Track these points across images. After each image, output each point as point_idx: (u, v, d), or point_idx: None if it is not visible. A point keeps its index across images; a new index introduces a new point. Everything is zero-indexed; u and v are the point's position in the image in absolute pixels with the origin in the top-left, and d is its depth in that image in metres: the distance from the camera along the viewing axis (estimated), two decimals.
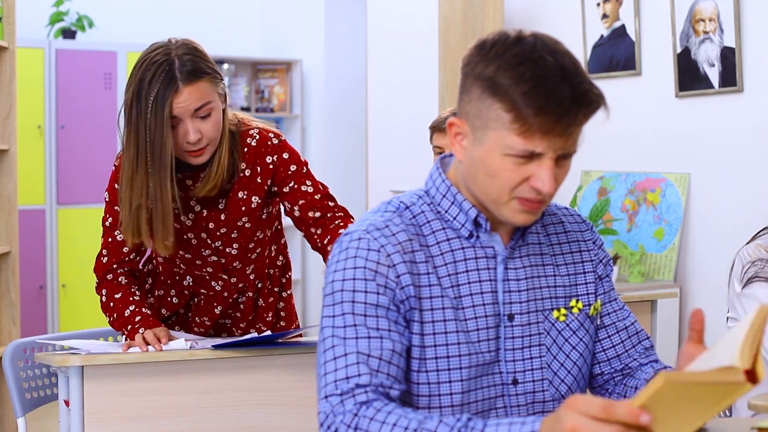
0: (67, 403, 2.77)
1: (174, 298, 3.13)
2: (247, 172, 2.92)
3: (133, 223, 2.81)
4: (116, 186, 2.89)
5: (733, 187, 4.70)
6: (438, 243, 1.95)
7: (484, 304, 1.94)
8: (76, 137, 7.29)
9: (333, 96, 7.76)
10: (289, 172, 2.95)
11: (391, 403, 1.75)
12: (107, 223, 2.99)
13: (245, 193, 2.93)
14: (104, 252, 3.04)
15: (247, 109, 7.98)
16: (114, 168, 2.93)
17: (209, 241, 2.97)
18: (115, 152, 7.38)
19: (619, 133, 5.31)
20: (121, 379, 2.63)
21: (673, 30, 4.91)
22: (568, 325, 2.00)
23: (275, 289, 3.20)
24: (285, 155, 2.94)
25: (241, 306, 3.14)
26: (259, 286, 3.14)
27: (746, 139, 4.62)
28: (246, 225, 2.97)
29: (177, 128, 2.74)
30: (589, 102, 1.96)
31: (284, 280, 3.23)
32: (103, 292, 3.03)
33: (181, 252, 2.99)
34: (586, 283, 2.05)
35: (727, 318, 2.96)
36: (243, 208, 2.94)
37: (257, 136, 2.93)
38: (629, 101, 5.24)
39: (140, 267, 3.10)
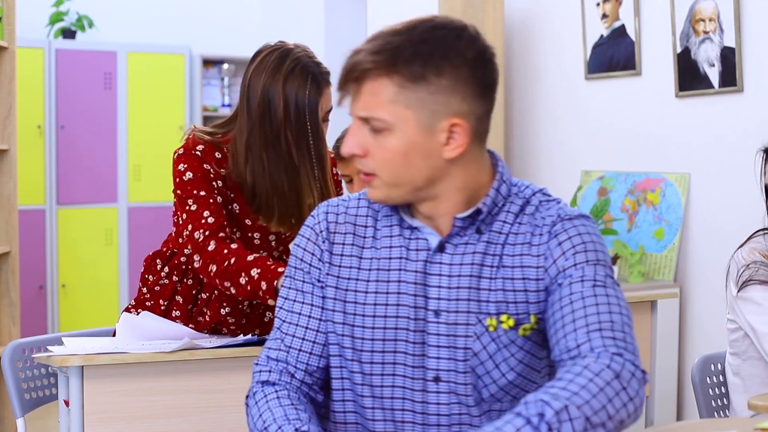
0: (67, 403, 2.77)
1: (199, 285, 3.04)
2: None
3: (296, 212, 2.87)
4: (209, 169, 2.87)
5: (733, 187, 4.70)
6: (384, 229, 1.98)
7: (410, 295, 1.93)
8: (76, 137, 7.30)
9: (333, 96, 7.75)
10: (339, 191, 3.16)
11: (276, 393, 1.95)
12: (201, 194, 2.86)
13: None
14: (199, 226, 2.84)
15: None
16: (202, 153, 2.90)
17: (273, 245, 2.99)
18: (115, 151, 7.39)
19: (619, 133, 5.31)
20: (120, 379, 2.63)
21: (673, 30, 4.91)
22: (497, 337, 1.91)
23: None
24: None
25: (245, 317, 3.10)
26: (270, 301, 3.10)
27: (746, 139, 4.62)
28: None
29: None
30: (353, 71, 1.89)
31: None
32: (216, 262, 2.81)
33: (250, 234, 2.98)
34: (516, 302, 1.91)
35: (728, 320, 2.96)
36: None
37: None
38: (629, 101, 5.24)
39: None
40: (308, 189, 2.86)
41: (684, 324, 4.91)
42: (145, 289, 3.08)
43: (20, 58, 5.27)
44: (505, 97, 5.88)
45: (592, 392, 1.70)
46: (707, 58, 4.77)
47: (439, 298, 1.93)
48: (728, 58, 4.67)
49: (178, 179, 2.88)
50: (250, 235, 2.96)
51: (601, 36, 5.36)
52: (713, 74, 4.75)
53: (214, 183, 2.87)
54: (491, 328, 1.90)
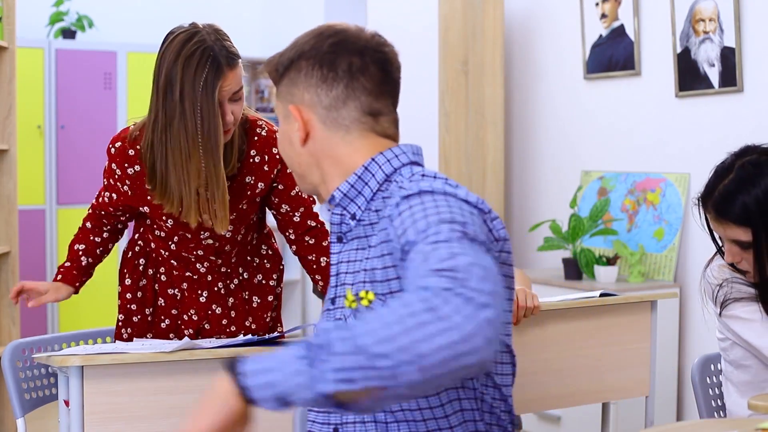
0: (67, 403, 2.77)
1: (162, 276, 3.20)
2: (257, 159, 3.03)
3: (195, 206, 2.90)
4: (117, 170, 3.03)
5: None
6: None
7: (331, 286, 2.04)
8: (76, 137, 7.30)
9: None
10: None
11: None
12: (104, 183, 3.17)
13: (252, 178, 3.04)
14: (96, 202, 3.27)
15: None
16: (115, 150, 3.03)
17: (210, 224, 2.99)
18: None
19: (619, 133, 5.31)
20: (120, 379, 2.63)
21: (672, 30, 4.91)
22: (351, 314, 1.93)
23: (270, 283, 3.25)
24: None
25: (231, 301, 3.19)
26: (245, 276, 3.21)
27: (746, 139, 4.61)
28: (244, 208, 3.06)
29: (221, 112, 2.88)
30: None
31: (276, 275, 3.29)
32: (83, 224, 3.29)
33: (181, 231, 3.06)
34: (364, 270, 1.92)
35: (717, 330, 2.95)
36: (248, 192, 3.04)
37: (266, 127, 3.07)
38: (629, 101, 5.24)
39: (120, 225, 3.32)
40: (195, 172, 2.86)
41: (684, 324, 4.91)
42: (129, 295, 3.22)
43: (20, 58, 5.27)
44: (505, 97, 5.88)
45: (385, 320, 1.49)
46: (707, 58, 4.77)
47: (336, 285, 2.02)
48: (728, 58, 4.67)
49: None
50: (182, 233, 3.06)
51: (600, 36, 5.36)
52: (713, 74, 4.75)
53: (118, 183, 3.05)
54: (353, 305, 1.93)
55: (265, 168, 3.04)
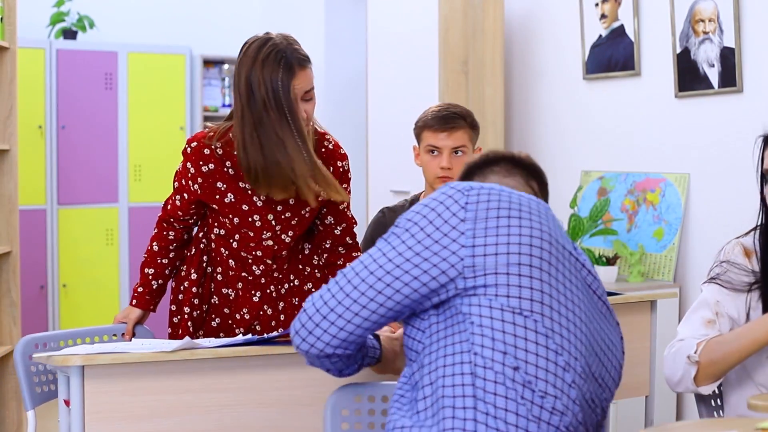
0: (67, 402, 2.78)
1: (219, 275, 3.39)
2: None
3: (306, 185, 3.14)
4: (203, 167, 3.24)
5: (732, 187, 4.71)
6: None
7: None
8: (77, 137, 7.30)
9: (333, 96, 7.76)
10: (345, 186, 3.35)
11: None
12: (175, 185, 3.36)
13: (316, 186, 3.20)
14: (163, 213, 3.43)
15: None
16: (191, 150, 3.26)
17: (273, 224, 3.25)
18: (115, 152, 7.40)
19: (619, 133, 5.31)
20: (121, 379, 2.64)
21: (672, 30, 4.92)
22: None
23: None
24: (349, 173, 3.39)
25: (281, 305, 3.37)
26: (296, 283, 3.40)
27: (746, 140, 4.62)
28: (306, 215, 3.29)
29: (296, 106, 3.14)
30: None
31: None
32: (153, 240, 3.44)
33: (244, 230, 3.27)
34: None
35: None
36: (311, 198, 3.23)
37: (333, 141, 3.36)
38: (628, 102, 5.25)
39: (186, 236, 3.44)
40: (299, 159, 3.09)
41: None
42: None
43: (21, 59, 5.27)
44: (505, 97, 5.88)
45: None
46: (707, 59, 4.77)
47: None
48: (728, 59, 4.68)
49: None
50: (250, 219, 3.24)
51: (600, 36, 5.37)
52: (713, 74, 4.75)
53: (190, 182, 3.27)
54: None
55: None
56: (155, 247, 3.41)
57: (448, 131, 3.64)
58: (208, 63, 7.88)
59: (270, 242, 3.30)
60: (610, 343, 2.24)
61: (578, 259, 2.22)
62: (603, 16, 5.33)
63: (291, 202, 3.25)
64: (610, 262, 5.03)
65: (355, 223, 3.46)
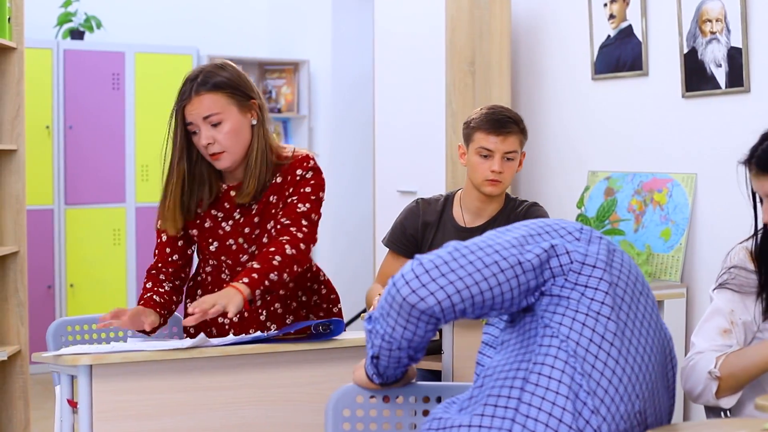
0: (69, 402, 2.79)
1: None
2: (279, 179, 3.20)
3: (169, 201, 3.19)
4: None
5: (739, 187, 4.70)
6: None
7: None
8: (84, 137, 7.31)
9: (340, 96, 7.76)
10: (302, 189, 3.20)
11: None
12: (157, 227, 3.31)
13: (275, 197, 3.19)
14: (153, 263, 3.32)
15: None
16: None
17: (245, 246, 3.20)
18: (122, 152, 7.42)
19: (626, 133, 5.31)
20: (128, 378, 2.64)
21: (679, 30, 4.91)
22: None
23: (331, 307, 3.43)
24: (310, 178, 3.21)
25: (290, 319, 3.31)
26: (304, 299, 3.37)
27: (753, 139, 4.61)
28: (273, 231, 3.19)
29: (198, 134, 3.13)
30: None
31: (334, 298, 3.48)
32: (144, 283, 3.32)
33: (223, 257, 3.23)
34: None
35: None
36: (273, 211, 3.18)
37: (290, 154, 3.24)
38: (636, 102, 5.25)
39: (184, 274, 3.35)
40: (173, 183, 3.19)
41: (691, 324, 4.91)
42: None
43: (29, 59, 5.27)
44: (512, 97, 5.88)
45: None
46: (714, 59, 4.77)
47: None
48: (735, 59, 4.67)
49: None
50: (227, 244, 3.22)
51: (608, 36, 5.37)
52: (720, 75, 4.75)
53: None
54: None
55: (285, 187, 3.19)
56: (148, 285, 3.27)
57: (503, 135, 3.59)
58: None
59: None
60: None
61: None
62: (611, 17, 5.33)
63: (255, 220, 3.19)
64: None
65: (296, 212, 3.22)
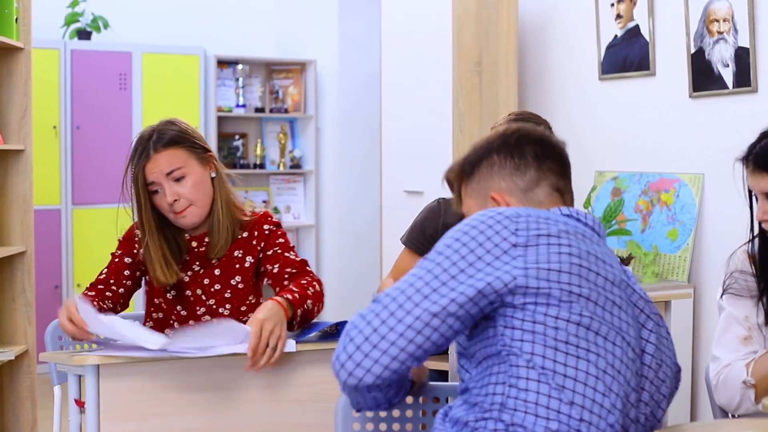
0: (77, 402, 2.79)
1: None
2: (245, 234, 3.22)
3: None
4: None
5: (735, 185, 4.69)
6: None
7: None
8: (91, 137, 7.32)
9: (347, 96, 7.76)
10: (278, 240, 3.20)
11: None
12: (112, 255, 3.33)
13: (241, 252, 3.21)
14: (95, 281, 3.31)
15: (261, 110, 8.00)
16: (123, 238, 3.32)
17: (203, 298, 3.19)
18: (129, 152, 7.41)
19: (633, 133, 5.31)
20: (135, 378, 2.64)
21: (687, 30, 4.91)
22: None
23: None
24: (280, 232, 3.25)
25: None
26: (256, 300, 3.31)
27: None
28: (239, 286, 3.20)
29: (160, 192, 3.12)
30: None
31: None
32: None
33: (177, 308, 3.22)
34: None
35: None
36: (237, 266, 3.20)
37: (257, 212, 3.28)
38: (643, 102, 5.24)
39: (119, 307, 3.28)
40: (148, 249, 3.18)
41: (698, 324, 4.91)
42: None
43: (36, 59, 5.28)
44: (519, 97, 5.88)
45: None
46: (721, 59, 4.77)
47: None
48: (742, 59, 4.67)
49: None
50: (186, 293, 3.21)
51: (615, 36, 5.36)
52: (727, 74, 4.75)
53: (128, 258, 3.27)
54: None
55: (254, 243, 3.20)
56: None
57: None
58: (222, 63, 7.89)
59: (207, 317, 3.19)
60: (659, 361, 2.21)
61: (628, 282, 2.19)
62: (618, 17, 5.33)
63: (216, 272, 3.19)
64: (624, 262, 5.02)
65: (296, 260, 3.22)
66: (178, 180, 3.10)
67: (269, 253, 3.18)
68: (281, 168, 8.09)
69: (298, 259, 3.18)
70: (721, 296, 2.91)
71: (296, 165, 8.14)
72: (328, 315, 8.01)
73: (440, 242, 2.13)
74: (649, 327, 2.20)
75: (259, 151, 7.98)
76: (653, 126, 5.19)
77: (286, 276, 3.12)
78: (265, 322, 2.73)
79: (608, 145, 5.47)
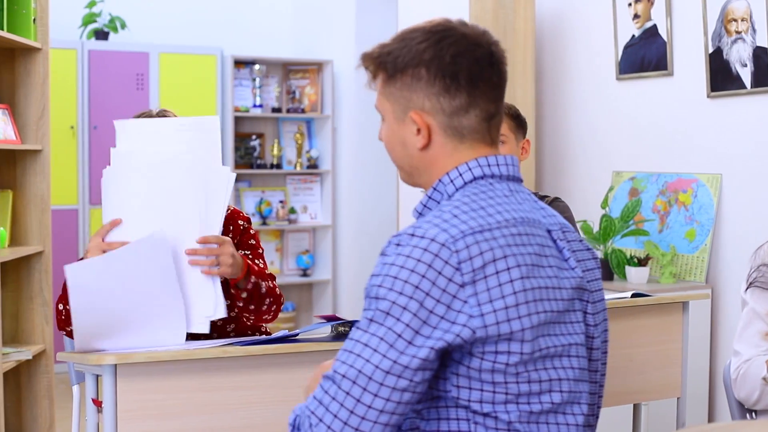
0: (95, 401, 2.80)
1: None
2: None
3: None
4: None
5: (765, 188, 4.68)
6: None
7: None
8: (109, 137, 7.31)
9: (364, 96, 7.76)
10: (250, 242, 3.39)
11: None
12: None
13: None
14: None
15: (278, 110, 8.00)
16: None
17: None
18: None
19: (651, 133, 5.29)
20: (153, 377, 2.65)
21: (705, 30, 4.89)
22: None
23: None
24: (252, 231, 3.42)
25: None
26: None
27: None
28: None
29: None
30: (364, 64, 2.18)
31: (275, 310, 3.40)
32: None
33: None
34: None
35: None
36: None
37: (231, 207, 3.38)
38: (661, 101, 5.23)
39: None
40: None
41: (715, 325, 4.89)
42: None
43: (53, 60, 5.30)
44: (536, 97, 5.87)
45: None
46: (739, 58, 4.75)
47: None
48: (760, 58, 4.65)
49: None
50: None
51: (633, 36, 5.35)
52: (745, 74, 4.73)
53: None
54: None
55: (229, 236, 3.27)
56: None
57: None
58: (239, 63, 7.90)
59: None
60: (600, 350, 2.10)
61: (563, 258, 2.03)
62: (636, 16, 5.31)
63: None
64: (642, 263, 5.00)
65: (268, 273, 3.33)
66: None
67: (248, 243, 3.37)
68: (298, 168, 8.10)
69: (267, 271, 3.29)
70: (746, 289, 2.90)
71: (313, 165, 8.15)
72: (344, 314, 8.03)
73: (379, 294, 1.86)
74: (590, 311, 2.04)
75: (276, 151, 7.99)
76: (671, 126, 5.17)
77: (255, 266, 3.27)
78: (226, 244, 3.01)
79: (626, 145, 5.45)
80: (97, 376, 2.74)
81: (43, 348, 5.04)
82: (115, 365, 2.61)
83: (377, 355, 1.83)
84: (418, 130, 2.01)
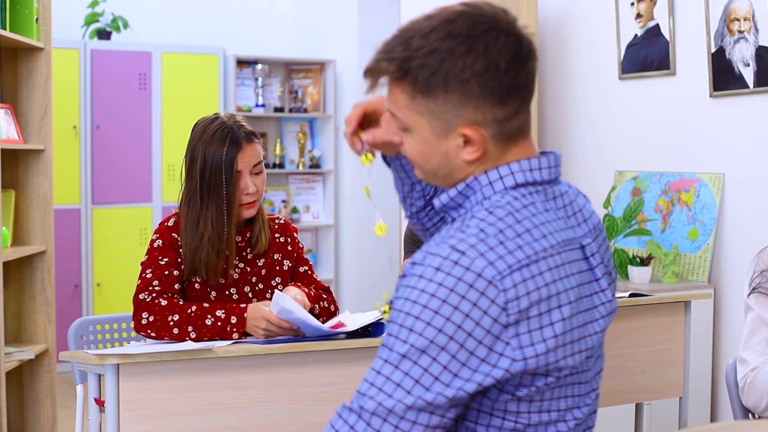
0: (97, 401, 2.80)
1: None
2: (281, 239, 3.38)
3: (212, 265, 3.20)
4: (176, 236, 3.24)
5: (767, 187, 4.68)
6: None
7: None
8: (111, 137, 7.34)
9: (366, 96, 7.76)
10: (305, 257, 3.45)
11: None
12: (161, 263, 3.21)
13: (280, 255, 3.36)
14: (145, 289, 3.18)
15: (280, 110, 8.01)
16: (166, 225, 3.26)
17: (250, 296, 3.28)
18: (149, 151, 7.45)
19: (653, 133, 5.29)
20: (155, 377, 2.65)
21: (707, 29, 4.89)
22: None
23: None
24: (302, 245, 3.46)
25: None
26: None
27: None
28: (278, 288, 3.31)
29: (238, 181, 3.17)
30: (373, 73, 1.96)
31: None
32: (145, 315, 3.13)
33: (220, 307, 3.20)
34: None
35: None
36: (277, 268, 3.33)
37: (282, 218, 3.45)
38: (663, 101, 5.22)
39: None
40: (215, 241, 3.18)
41: (718, 325, 4.89)
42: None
43: (56, 59, 5.31)
44: (539, 97, 5.87)
45: None
46: (742, 58, 4.74)
47: None
48: (763, 58, 4.64)
49: (149, 247, 3.25)
50: (227, 293, 3.25)
51: (636, 36, 5.35)
52: (748, 74, 4.72)
53: (165, 258, 3.21)
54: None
55: (289, 248, 3.38)
56: (163, 302, 3.16)
57: None
58: (242, 63, 7.90)
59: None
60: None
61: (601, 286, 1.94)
62: (638, 16, 5.31)
63: (263, 272, 3.30)
64: (644, 262, 5.00)
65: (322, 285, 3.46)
66: (257, 173, 3.23)
67: (300, 270, 3.39)
68: (300, 168, 8.10)
69: (325, 286, 3.42)
70: (749, 295, 2.90)
71: (315, 165, 8.15)
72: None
73: (415, 328, 1.71)
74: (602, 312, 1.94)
75: (278, 151, 7.99)
76: (673, 126, 5.17)
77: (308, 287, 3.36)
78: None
79: (628, 144, 5.45)
80: (100, 375, 2.74)
81: (45, 347, 5.04)
82: (118, 365, 2.61)
83: (411, 397, 1.69)
84: (465, 142, 1.82)
